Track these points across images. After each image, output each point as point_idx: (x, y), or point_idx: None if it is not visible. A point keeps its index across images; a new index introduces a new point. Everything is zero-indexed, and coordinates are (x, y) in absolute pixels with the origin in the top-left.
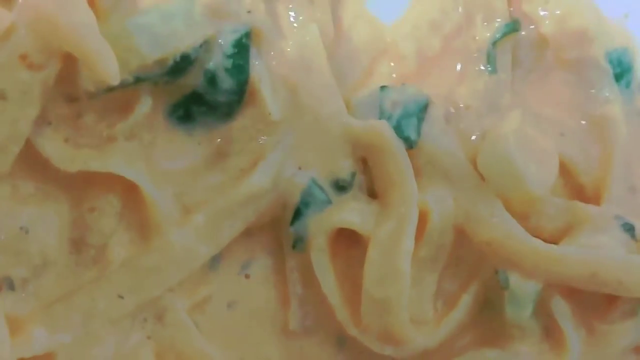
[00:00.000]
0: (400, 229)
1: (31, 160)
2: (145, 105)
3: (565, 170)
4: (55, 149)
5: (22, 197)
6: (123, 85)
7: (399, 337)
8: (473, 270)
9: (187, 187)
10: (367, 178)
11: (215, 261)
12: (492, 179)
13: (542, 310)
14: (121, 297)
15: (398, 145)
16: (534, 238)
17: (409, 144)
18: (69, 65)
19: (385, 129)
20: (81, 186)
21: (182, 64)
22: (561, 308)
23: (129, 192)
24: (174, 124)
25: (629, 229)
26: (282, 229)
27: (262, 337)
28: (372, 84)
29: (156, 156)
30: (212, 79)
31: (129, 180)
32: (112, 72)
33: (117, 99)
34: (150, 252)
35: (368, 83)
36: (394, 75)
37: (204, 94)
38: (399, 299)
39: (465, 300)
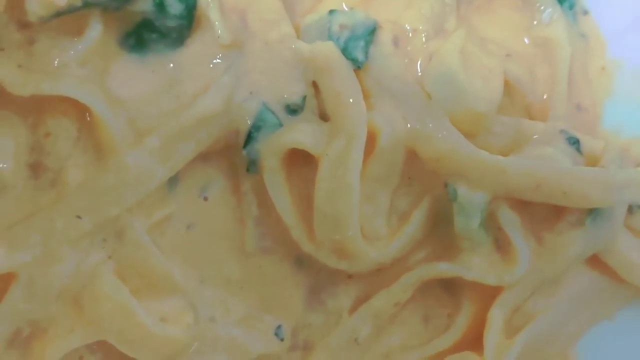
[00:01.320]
0: (348, 145)
1: None
2: (95, 30)
3: (511, 90)
4: (8, 73)
5: None
6: (72, 9)
7: (351, 252)
8: (424, 188)
9: (140, 112)
10: (319, 102)
11: (173, 184)
12: (438, 97)
13: (491, 223)
14: (79, 217)
15: (345, 65)
16: (480, 150)
17: (357, 65)
18: None
19: (331, 49)
20: (37, 112)
21: None
22: (510, 219)
23: (84, 116)
24: (127, 52)
25: (574, 142)
26: (236, 153)
27: (222, 257)
28: (322, 10)
29: (110, 82)
30: (160, 4)
31: (83, 104)
32: None
33: (68, 24)
34: (106, 174)
35: (318, 10)
36: (344, 4)
37: (153, 20)
38: (348, 212)
39: (417, 216)
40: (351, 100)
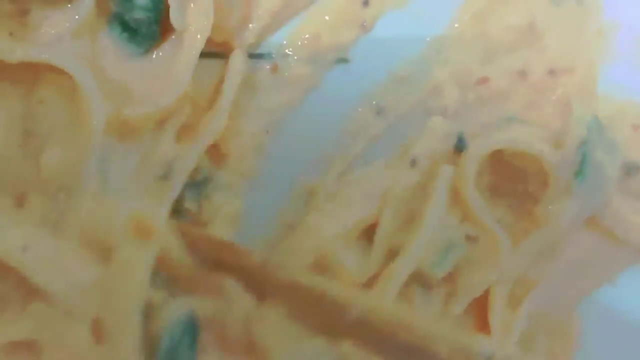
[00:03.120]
0: None
1: None
2: (85, 4)
3: None
4: None
5: None
6: None
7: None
8: None
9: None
10: None
11: None
12: None
13: None
14: None
15: None
16: None
17: None
18: None
19: None
20: (29, 83)
21: None
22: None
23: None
24: (116, 34)
25: None
26: None
27: None
28: None
29: (100, 60)
30: None
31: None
32: None
33: None
34: None
35: None
36: None
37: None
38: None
39: None
40: None
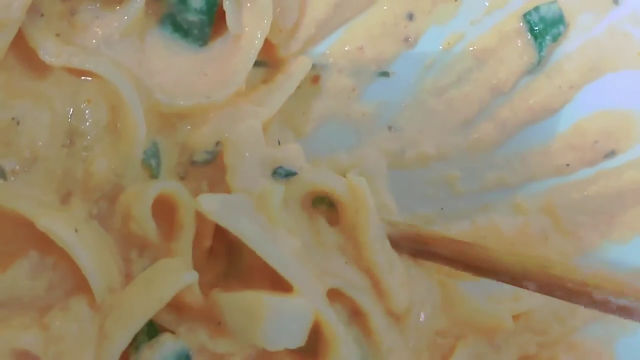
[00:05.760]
0: None
1: (24, 54)
2: (136, 3)
3: None
4: (44, 41)
5: (17, 90)
6: None
7: None
8: None
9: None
10: None
11: None
12: None
13: None
14: None
15: None
16: None
17: None
18: None
19: None
20: (76, 84)
21: None
22: None
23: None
24: (167, 33)
25: None
26: None
27: None
28: None
29: (146, 65)
30: None
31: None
32: None
33: None
34: None
35: None
36: None
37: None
38: None
39: None
40: None
